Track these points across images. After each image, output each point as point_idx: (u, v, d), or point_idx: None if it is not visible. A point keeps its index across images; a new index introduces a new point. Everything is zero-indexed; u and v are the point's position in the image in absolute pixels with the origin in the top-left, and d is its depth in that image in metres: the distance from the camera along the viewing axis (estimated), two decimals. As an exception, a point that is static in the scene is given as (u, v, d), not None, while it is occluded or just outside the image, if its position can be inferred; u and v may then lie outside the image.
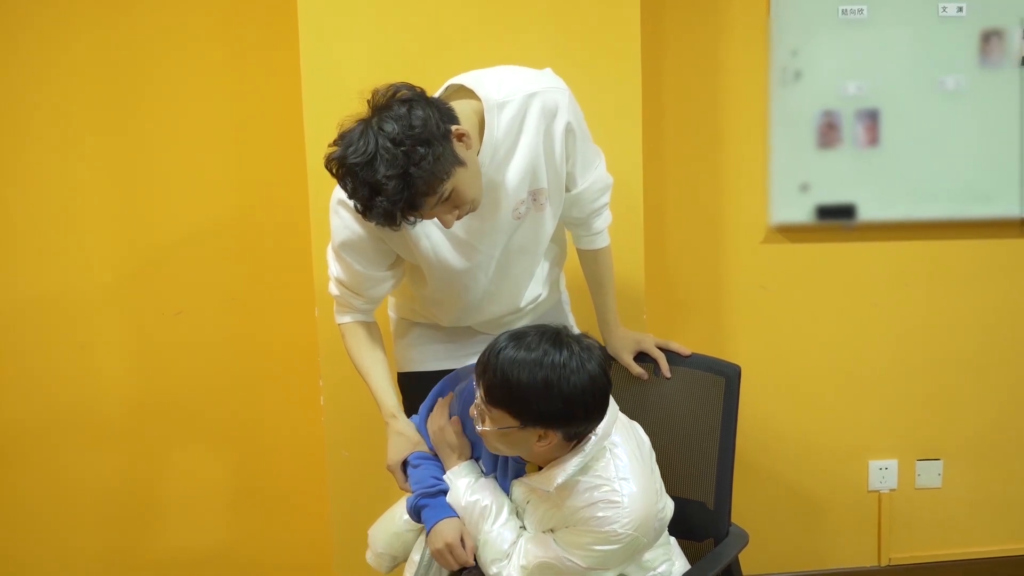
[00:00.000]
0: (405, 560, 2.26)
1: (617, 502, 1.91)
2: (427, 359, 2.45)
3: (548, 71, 2.23)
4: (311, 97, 2.70)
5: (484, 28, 2.72)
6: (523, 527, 2.07)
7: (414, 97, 1.94)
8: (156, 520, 3.17)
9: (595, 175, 2.33)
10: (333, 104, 2.65)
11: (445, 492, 2.09)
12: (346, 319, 2.34)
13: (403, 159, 1.87)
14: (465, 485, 2.08)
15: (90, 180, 3.01)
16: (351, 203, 2.04)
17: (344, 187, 1.94)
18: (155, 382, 3.11)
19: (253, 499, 3.19)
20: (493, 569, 2.02)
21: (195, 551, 3.20)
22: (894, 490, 3.35)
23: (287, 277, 3.06)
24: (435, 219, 2.09)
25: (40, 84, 2.96)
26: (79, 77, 2.97)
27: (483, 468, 2.14)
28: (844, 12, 3.08)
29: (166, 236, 3.05)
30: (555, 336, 1.91)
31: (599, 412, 1.94)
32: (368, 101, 1.94)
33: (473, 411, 1.97)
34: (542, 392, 1.86)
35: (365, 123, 1.91)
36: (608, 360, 1.97)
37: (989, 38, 3.13)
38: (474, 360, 2.41)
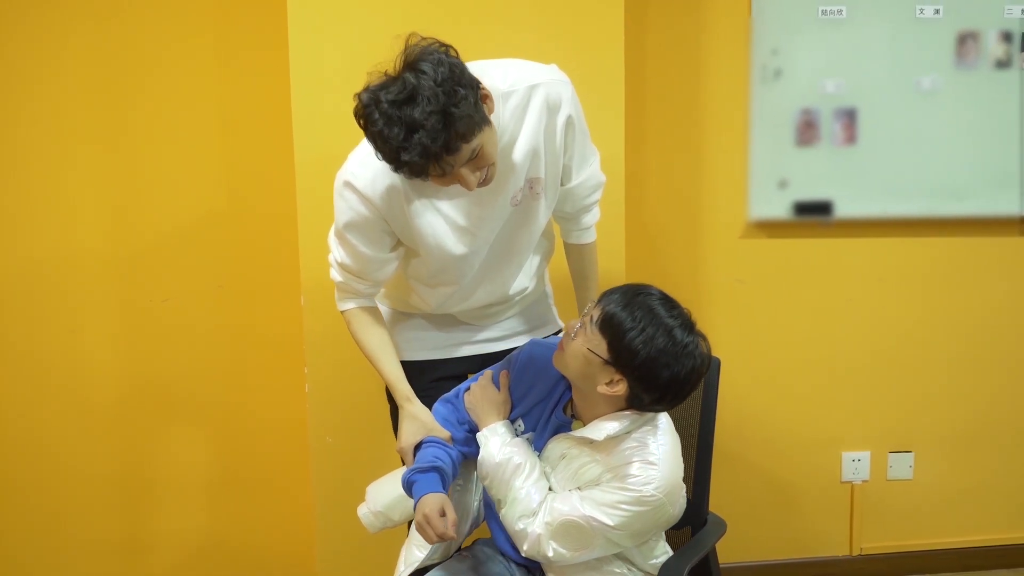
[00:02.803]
0: (396, 526, 2.28)
1: (654, 463, 1.98)
2: (413, 348, 2.46)
3: (553, 66, 2.27)
4: (299, 88, 2.72)
5: (470, 23, 2.75)
6: (550, 489, 2.11)
7: (450, 48, 1.98)
8: (142, 504, 3.19)
9: (589, 171, 2.37)
10: (321, 95, 2.70)
11: (438, 470, 2.11)
12: (349, 305, 2.35)
13: (444, 97, 1.89)
14: (499, 443, 2.11)
15: (80, 170, 3.02)
16: (359, 181, 2.11)
17: (373, 129, 1.92)
18: (143, 368, 3.12)
19: (238, 484, 3.21)
20: (519, 525, 2.06)
21: (180, 534, 3.22)
22: (866, 481, 3.40)
23: (274, 266, 3.08)
24: (436, 204, 2.13)
25: (32, 75, 2.96)
26: (70, 69, 2.97)
27: (522, 427, 2.19)
28: (824, 12, 3.12)
29: (155, 225, 3.07)
30: (689, 321, 1.99)
31: (672, 401, 2.02)
32: (399, 56, 1.95)
33: (573, 323, 2.02)
34: (652, 353, 1.93)
35: (401, 76, 1.92)
36: (710, 363, 2.05)
37: (965, 40, 3.19)
38: (459, 351, 2.46)
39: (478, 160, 2.02)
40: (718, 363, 2.41)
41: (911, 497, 3.44)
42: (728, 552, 3.17)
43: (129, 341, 3.11)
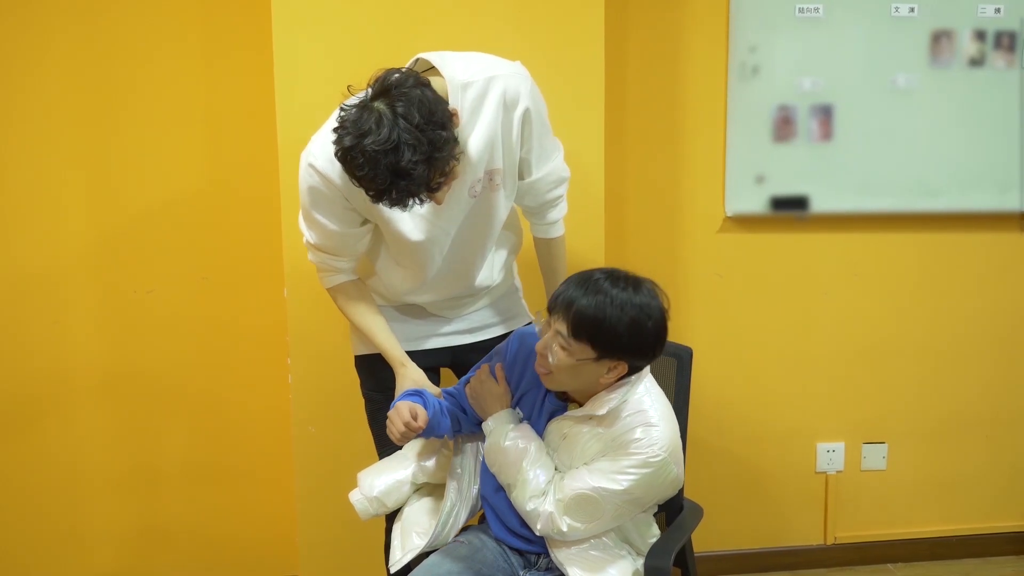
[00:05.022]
0: (388, 512, 2.33)
1: (654, 424, 2.08)
2: None
3: (517, 63, 2.30)
4: (283, 80, 2.74)
5: (451, 21, 2.77)
6: (557, 469, 2.18)
7: (423, 81, 2.00)
8: (125, 494, 3.20)
9: (550, 167, 2.40)
10: (304, 86, 2.73)
11: (420, 394, 2.22)
12: (332, 281, 2.39)
13: (427, 145, 1.93)
14: (504, 430, 2.19)
15: (65, 164, 3.03)
16: (319, 161, 2.14)
17: (359, 173, 1.96)
18: (128, 359, 3.13)
19: (221, 474, 3.23)
20: (530, 505, 2.13)
21: (164, 524, 3.23)
22: (840, 472, 3.45)
23: (258, 258, 3.10)
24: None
25: (17, 71, 2.97)
26: (56, 64, 2.98)
27: (520, 414, 2.25)
28: (801, 10, 3.16)
29: (139, 218, 3.08)
30: (636, 281, 2.08)
31: (662, 348, 2.12)
32: (369, 85, 1.98)
33: (543, 347, 2.09)
34: (629, 329, 2.03)
35: (374, 108, 1.94)
36: (668, 305, 2.14)
37: (939, 38, 3.23)
38: (428, 343, 2.50)
39: (447, 178, 2.06)
40: (690, 352, 2.45)
41: (884, 487, 3.49)
42: (704, 541, 3.21)
43: (114, 332, 3.12)
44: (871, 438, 3.45)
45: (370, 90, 1.99)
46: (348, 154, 1.96)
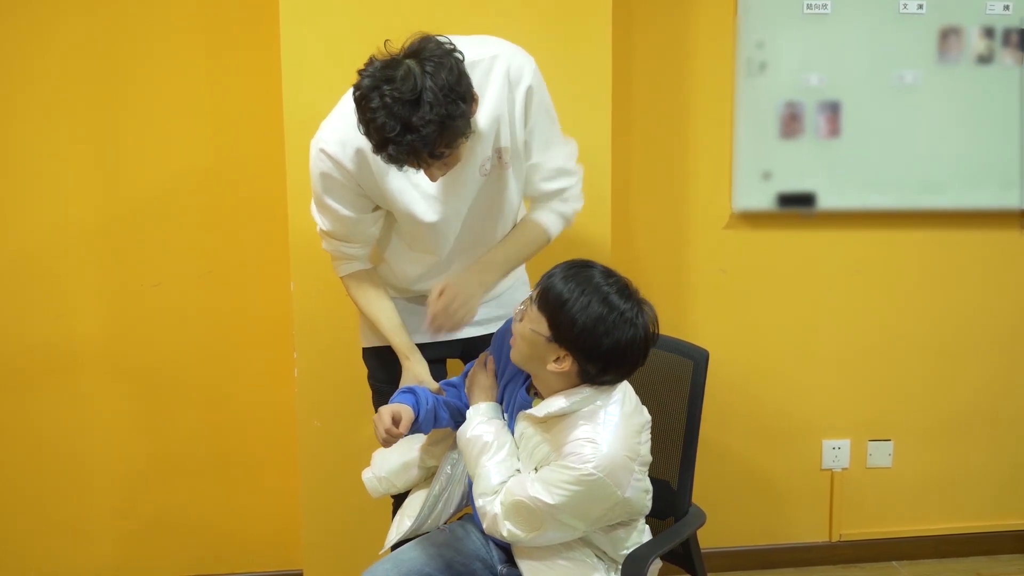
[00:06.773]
0: (398, 494, 2.35)
1: (595, 441, 1.95)
2: None
3: (519, 46, 2.31)
4: (290, 71, 2.74)
5: (459, 16, 2.77)
6: (519, 470, 2.11)
7: (457, 54, 2.01)
8: (129, 485, 3.21)
9: (550, 155, 2.37)
10: (311, 78, 2.73)
11: (412, 391, 2.20)
12: (346, 270, 2.40)
13: (445, 108, 1.94)
14: (476, 421, 2.15)
15: (70, 158, 3.03)
16: (331, 147, 2.17)
17: (368, 116, 1.96)
18: (133, 353, 3.13)
19: (225, 467, 3.23)
20: (479, 502, 2.08)
21: (167, 515, 3.23)
22: (846, 469, 3.45)
23: (264, 251, 3.10)
24: (405, 169, 2.12)
25: (23, 65, 2.97)
26: (62, 56, 2.98)
27: (502, 407, 2.23)
28: (808, 7, 3.15)
29: (145, 211, 3.08)
30: (627, 288, 2.00)
31: (624, 370, 2.03)
32: (406, 45, 1.99)
33: (518, 307, 2.07)
34: (588, 322, 1.94)
35: (403, 63, 1.96)
36: (656, 331, 2.04)
37: (947, 35, 3.22)
38: (439, 335, 2.49)
39: (449, 160, 2.07)
40: (706, 355, 2.39)
41: (890, 485, 3.48)
42: (709, 538, 3.18)
43: (119, 326, 3.12)
44: (877, 435, 3.45)
45: (404, 49, 1.99)
46: (365, 94, 1.96)
